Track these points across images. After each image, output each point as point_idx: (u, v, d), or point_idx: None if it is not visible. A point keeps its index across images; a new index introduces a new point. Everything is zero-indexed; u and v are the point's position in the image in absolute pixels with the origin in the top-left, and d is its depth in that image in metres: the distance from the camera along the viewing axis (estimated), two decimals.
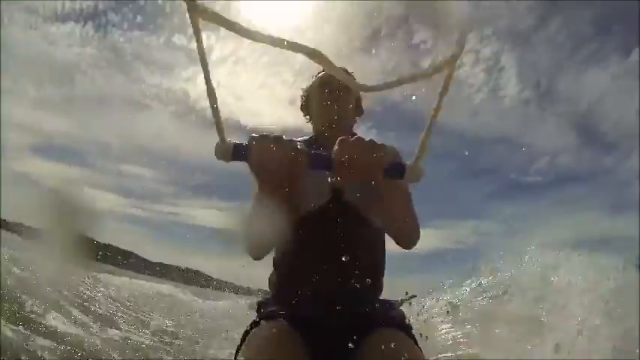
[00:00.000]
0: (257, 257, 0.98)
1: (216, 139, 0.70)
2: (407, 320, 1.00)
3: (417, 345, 0.87)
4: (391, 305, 1.04)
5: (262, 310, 0.99)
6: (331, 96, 1.08)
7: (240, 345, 0.86)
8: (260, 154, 0.72)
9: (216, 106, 0.70)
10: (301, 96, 1.22)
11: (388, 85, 0.71)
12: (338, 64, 0.73)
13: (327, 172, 0.77)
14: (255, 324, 0.90)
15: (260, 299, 1.07)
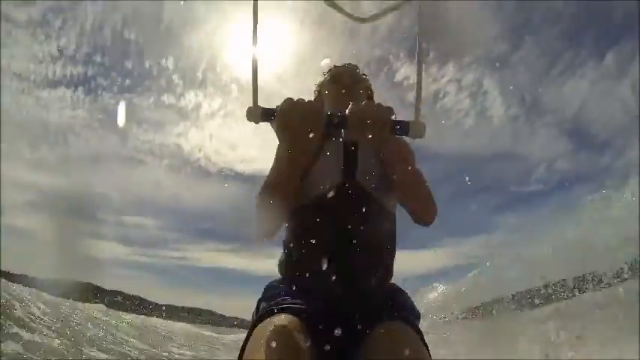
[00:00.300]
0: (268, 233, 1.01)
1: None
2: (415, 310, 0.97)
3: (423, 340, 0.84)
4: (400, 293, 1.02)
5: (267, 301, 0.95)
6: (342, 90, 1.14)
7: (247, 339, 0.84)
8: (283, 112, 0.83)
9: (256, 72, 0.88)
10: (314, 91, 1.25)
11: (375, 17, 1.02)
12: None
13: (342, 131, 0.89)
14: (260, 318, 0.86)
15: (267, 285, 1.04)
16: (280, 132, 0.87)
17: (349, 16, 1.00)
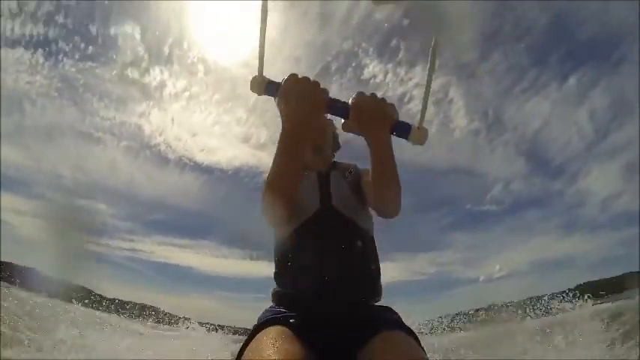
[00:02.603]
0: (278, 218, 0.99)
1: None
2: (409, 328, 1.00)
3: (421, 346, 0.88)
4: (393, 312, 1.04)
5: (265, 316, 0.98)
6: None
7: (243, 348, 0.85)
8: (288, 88, 0.80)
9: (264, 38, 0.82)
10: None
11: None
12: None
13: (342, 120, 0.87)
14: (256, 329, 0.90)
15: (266, 309, 1.06)
16: (284, 104, 0.83)
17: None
